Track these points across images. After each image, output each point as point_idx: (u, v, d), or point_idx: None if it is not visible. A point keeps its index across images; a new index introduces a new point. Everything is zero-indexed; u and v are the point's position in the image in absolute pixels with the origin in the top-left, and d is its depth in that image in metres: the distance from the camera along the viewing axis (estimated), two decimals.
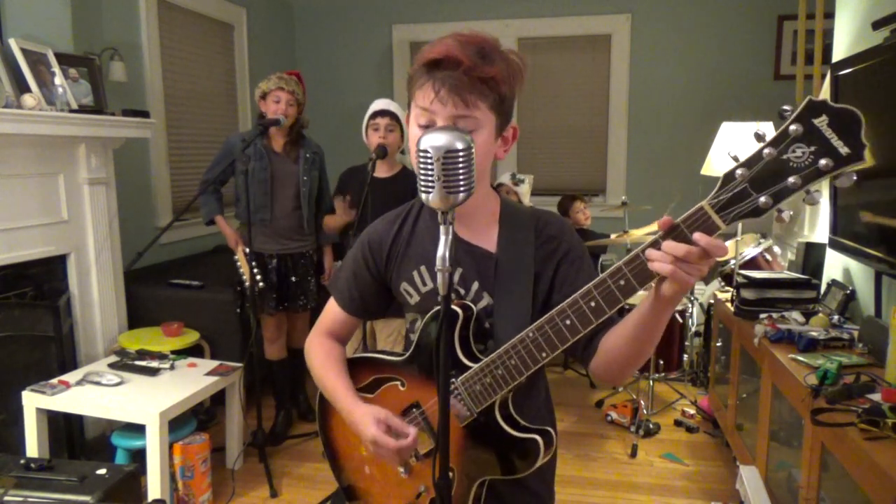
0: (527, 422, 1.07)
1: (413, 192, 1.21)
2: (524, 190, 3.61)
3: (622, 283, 0.89)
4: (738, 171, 0.80)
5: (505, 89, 1.03)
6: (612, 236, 3.90)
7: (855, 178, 0.76)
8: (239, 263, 2.88)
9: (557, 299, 1.09)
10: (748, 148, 0.80)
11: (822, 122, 0.75)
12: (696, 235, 0.82)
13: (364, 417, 1.09)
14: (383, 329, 2.82)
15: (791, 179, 0.77)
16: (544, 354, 0.97)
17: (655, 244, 0.85)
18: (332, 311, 1.25)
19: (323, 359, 1.22)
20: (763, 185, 0.79)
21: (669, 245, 0.82)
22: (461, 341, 1.06)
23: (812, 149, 0.76)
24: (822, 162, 0.75)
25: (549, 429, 1.06)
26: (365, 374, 1.19)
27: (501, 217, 1.14)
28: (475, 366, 1.03)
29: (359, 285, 1.21)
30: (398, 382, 1.14)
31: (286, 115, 2.95)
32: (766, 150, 0.78)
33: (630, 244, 3.60)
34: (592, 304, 0.91)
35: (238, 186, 2.99)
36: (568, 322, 0.94)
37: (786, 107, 0.78)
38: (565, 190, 5.00)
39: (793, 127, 0.76)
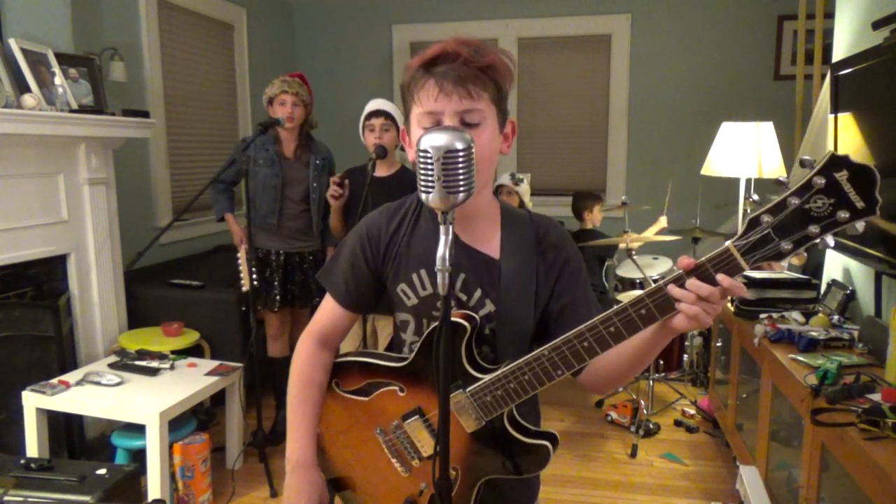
0: (520, 419, 1.07)
1: (412, 191, 1.20)
2: (524, 189, 3.60)
3: (643, 312, 0.91)
4: (764, 218, 0.84)
5: (501, 80, 1.05)
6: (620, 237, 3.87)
7: (864, 226, 0.81)
8: (240, 262, 2.88)
9: (555, 308, 1.11)
10: (772, 198, 0.86)
11: (842, 176, 0.80)
12: (720, 277, 0.86)
13: (299, 488, 1.14)
14: (385, 328, 2.82)
15: (811, 228, 0.82)
16: (560, 372, 0.99)
17: (678, 281, 0.88)
18: (328, 307, 1.22)
19: (301, 387, 1.19)
20: (785, 231, 0.84)
21: (695, 284, 0.86)
22: (467, 353, 1.05)
23: (832, 201, 0.81)
24: (840, 214, 0.80)
25: (554, 432, 1.07)
26: (359, 376, 1.17)
27: (503, 222, 1.14)
28: (486, 378, 1.02)
29: (355, 277, 1.18)
30: (396, 388, 1.12)
31: (293, 117, 2.97)
32: (791, 199, 0.82)
33: (629, 245, 3.59)
34: (612, 329, 0.93)
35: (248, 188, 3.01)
36: (586, 344, 0.95)
37: (806, 156, 0.83)
38: (566, 190, 5.00)
39: (817, 180, 0.81)
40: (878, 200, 0.79)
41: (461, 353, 1.05)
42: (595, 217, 4.12)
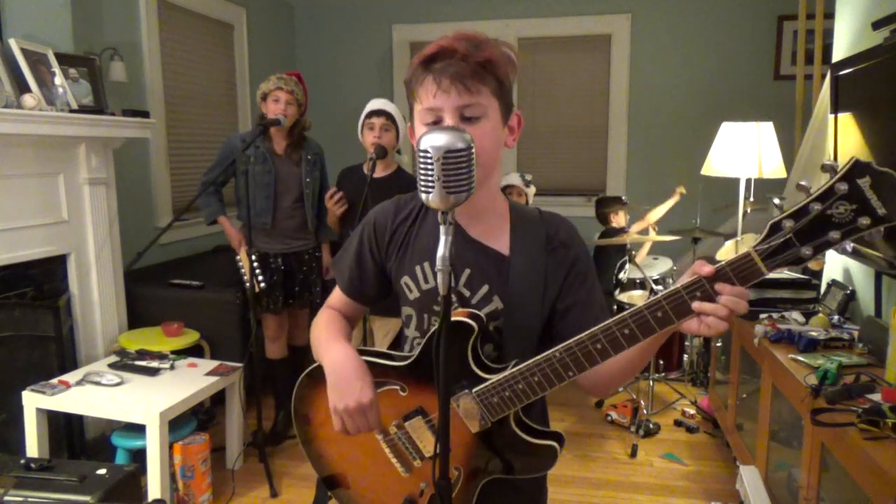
0: (527, 420, 1.06)
1: (408, 192, 1.20)
2: (533, 192, 3.59)
3: (659, 314, 0.90)
4: (785, 223, 0.83)
5: (502, 73, 1.05)
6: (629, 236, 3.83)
7: (882, 233, 0.81)
8: (241, 264, 2.88)
9: (561, 307, 1.10)
10: (794, 200, 0.85)
11: (864, 182, 0.79)
12: (719, 286, 0.87)
13: (357, 377, 1.07)
14: (381, 328, 2.82)
15: (832, 234, 0.81)
16: (570, 374, 0.97)
17: (697, 286, 0.87)
18: (336, 295, 1.25)
19: (325, 324, 1.21)
20: (806, 237, 0.83)
21: (730, 301, 0.87)
22: (473, 353, 1.04)
23: (853, 207, 0.80)
24: (862, 220, 0.80)
25: (560, 431, 1.06)
26: None
27: (512, 219, 1.14)
28: (494, 378, 1.01)
29: (360, 266, 1.19)
30: (398, 387, 1.11)
31: (286, 115, 2.94)
32: (813, 205, 0.82)
33: (630, 243, 3.59)
34: (626, 331, 0.92)
35: (240, 188, 2.99)
36: (599, 346, 0.94)
37: (828, 161, 0.82)
38: (566, 190, 5.01)
39: (840, 185, 0.80)
40: None
41: (467, 354, 1.04)
42: (621, 219, 4.10)
